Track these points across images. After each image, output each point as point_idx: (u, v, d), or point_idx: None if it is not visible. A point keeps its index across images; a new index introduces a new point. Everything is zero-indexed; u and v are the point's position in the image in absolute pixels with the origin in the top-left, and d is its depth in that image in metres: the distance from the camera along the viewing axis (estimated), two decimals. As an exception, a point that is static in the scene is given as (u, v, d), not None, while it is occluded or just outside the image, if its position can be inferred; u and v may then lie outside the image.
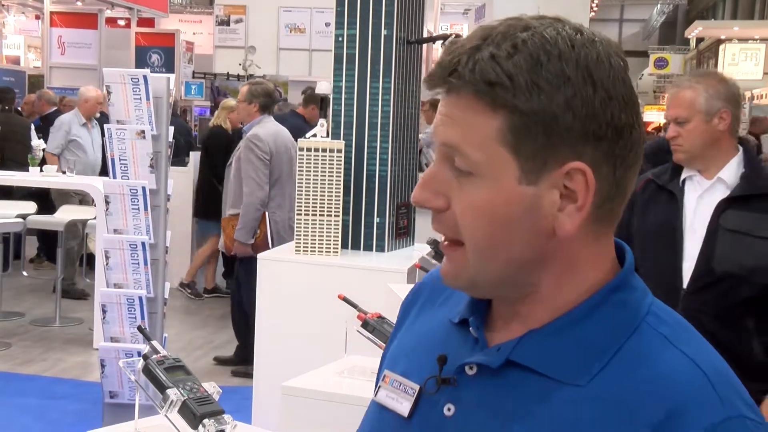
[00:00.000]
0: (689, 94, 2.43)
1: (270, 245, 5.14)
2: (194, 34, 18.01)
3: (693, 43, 26.52)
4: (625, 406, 0.81)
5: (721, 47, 21.19)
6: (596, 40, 0.85)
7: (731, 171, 2.42)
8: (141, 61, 12.31)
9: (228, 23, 17.29)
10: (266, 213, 5.22)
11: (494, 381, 0.87)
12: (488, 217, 0.85)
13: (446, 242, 0.90)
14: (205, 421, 1.53)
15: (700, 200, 2.44)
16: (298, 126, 5.97)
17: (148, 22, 14.59)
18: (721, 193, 2.41)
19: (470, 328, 0.92)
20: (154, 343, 1.63)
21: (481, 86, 0.82)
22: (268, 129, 5.30)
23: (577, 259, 0.87)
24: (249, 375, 4.54)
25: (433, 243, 2.88)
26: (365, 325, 2.07)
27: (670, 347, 0.84)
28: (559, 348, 0.86)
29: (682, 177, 2.48)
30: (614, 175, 0.85)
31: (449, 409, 0.89)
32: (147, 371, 1.58)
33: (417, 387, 0.93)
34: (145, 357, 1.60)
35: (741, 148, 2.47)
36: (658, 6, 30.53)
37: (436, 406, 0.90)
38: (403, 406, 0.93)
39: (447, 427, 0.89)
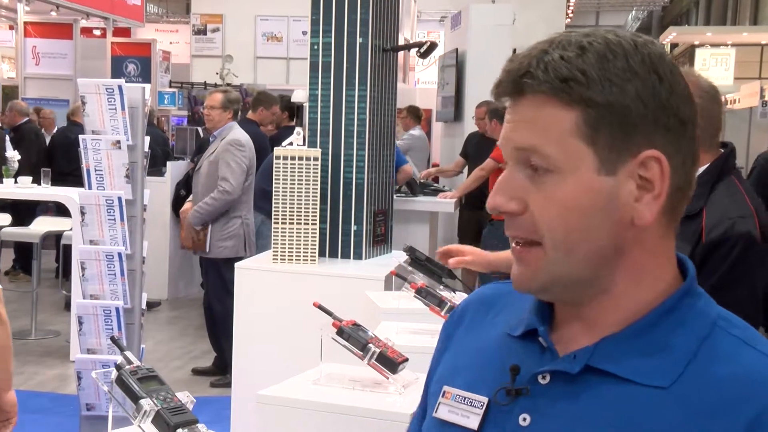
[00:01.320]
0: None
1: (244, 250, 5.27)
2: (171, 43, 17.97)
3: (668, 49, 26.77)
4: (713, 407, 0.82)
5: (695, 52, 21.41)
6: (655, 42, 0.90)
7: None
8: (117, 71, 12.25)
9: (205, 32, 17.26)
10: (242, 217, 5.31)
11: (571, 388, 0.88)
12: (570, 209, 0.86)
13: (519, 246, 0.90)
14: (179, 430, 1.52)
15: None
16: (256, 132, 5.99)
17: (124, 31, 14.51)
18: None
19: (539, 338, 0.92)
20: (127, 353, 1.63)
21: (556, 83, 0.85)
22: (244, 135, 5.38)
23: (652, 252, 0.89)
24: (228, 384, 4.52)
25: (410, 250, 2.87)
26: (340, 332, 2.07)
27: (748, 348, 0.86)
28: (638, 351, 0.87)
29: None
30: (683, 166, 0.88)
31: (524, 419, 0.89)
32: (120, 382, 1.57)
33: (485, 399, 0.93)
34: (119, 368, 1.59)
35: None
36: (633, 12, 30.82)
37: (509, 417, 0.90)
38: (470, 419, 0.93)
39: None
